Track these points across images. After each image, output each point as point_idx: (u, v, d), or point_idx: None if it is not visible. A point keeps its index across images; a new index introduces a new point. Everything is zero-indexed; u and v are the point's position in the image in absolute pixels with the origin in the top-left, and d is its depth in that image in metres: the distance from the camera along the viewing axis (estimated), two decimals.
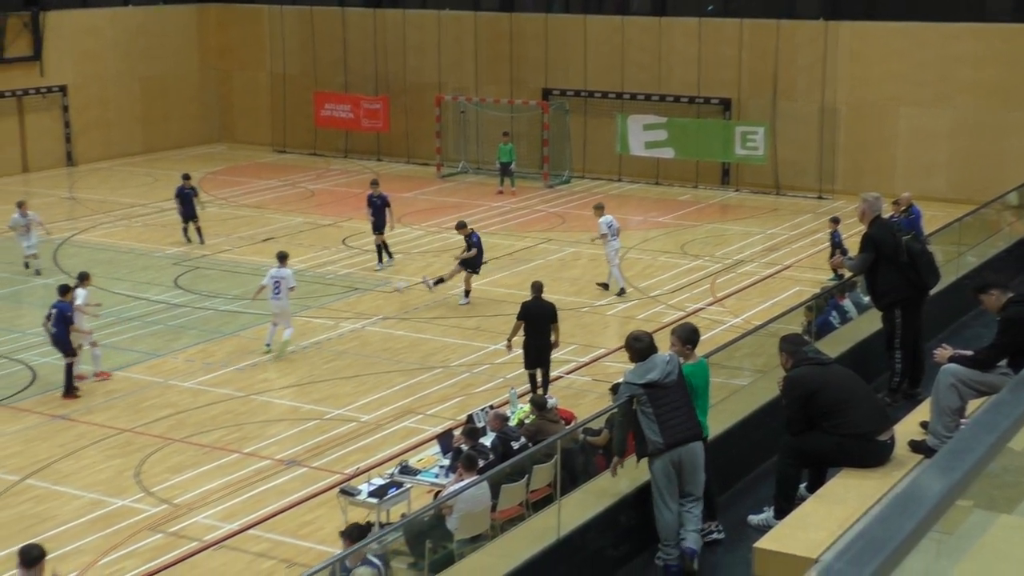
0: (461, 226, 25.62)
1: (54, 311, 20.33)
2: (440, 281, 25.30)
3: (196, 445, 18.40)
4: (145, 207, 34.43)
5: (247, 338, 23.39)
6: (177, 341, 23.33)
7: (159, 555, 15.09)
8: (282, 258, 22.64)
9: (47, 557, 10.45)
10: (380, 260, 28.03)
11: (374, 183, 29.05)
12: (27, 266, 27.70)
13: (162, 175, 37.72)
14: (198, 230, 30.36)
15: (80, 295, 20.98)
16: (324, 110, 42.30)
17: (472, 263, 25.17)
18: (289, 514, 16.16)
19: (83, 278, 21.49)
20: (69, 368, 20.32)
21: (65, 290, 20.72)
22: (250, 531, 15.69)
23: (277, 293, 22.16)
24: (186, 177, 30.71)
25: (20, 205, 28.02)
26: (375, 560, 11.15)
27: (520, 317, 19.56)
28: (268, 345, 22.52)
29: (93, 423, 19.31)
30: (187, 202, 30.11)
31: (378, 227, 28.03)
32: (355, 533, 11.70)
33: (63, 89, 41.00)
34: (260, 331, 23.58)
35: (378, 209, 28.00)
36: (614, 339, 22.53)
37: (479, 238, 25.45)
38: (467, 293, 25.27)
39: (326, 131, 42.68)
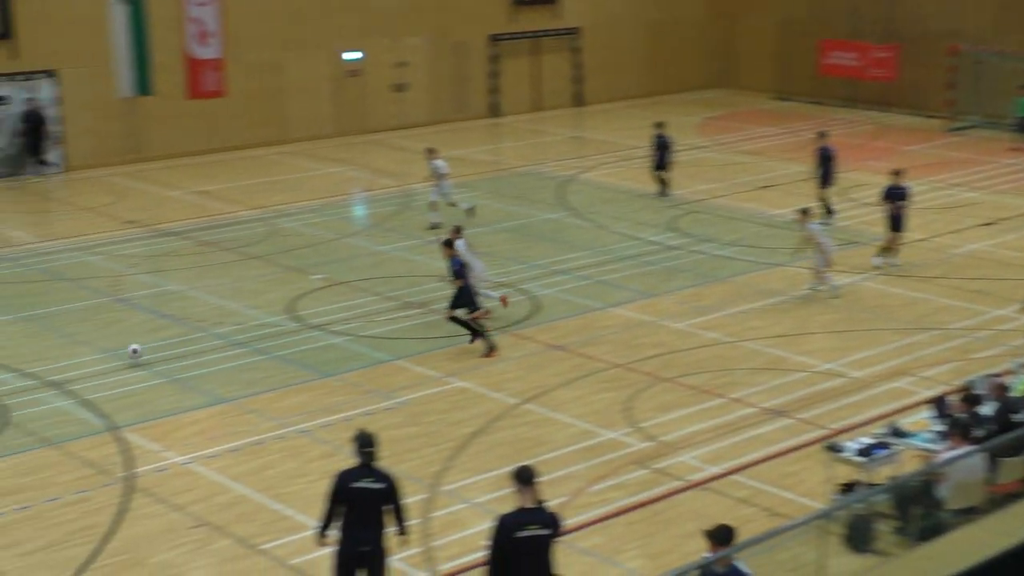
0: (896, 173, 24.39)
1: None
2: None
3: (684, 386, 18.71)
4: (645, 149, 35.13)
5: (739, 284, 23.46)
6: (670, 282, 23.75)
7: (643, 489, 15.48)
8: (806, 212, 22.85)
9: (539, 479, 10.96)
10: (830, 214, 27.20)
11: (822, 134, 28.14)
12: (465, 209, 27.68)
13: (663, 118, 38.40)
14: (663, 181, 30.11)
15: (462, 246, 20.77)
16: (829, 58, 41.43)
17: (893, 223, 24.01)
18: (772, 463, 16.10)
19: (457, 231, 21.38)
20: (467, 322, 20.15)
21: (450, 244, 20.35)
22: (733, 476, 15.79)
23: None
24: (659, 125, 30.79)
25: (430, 152, 27.78)
26: (744, 569, 10.34)
27: None
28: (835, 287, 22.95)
29: (587, 355, 20.05)
30: (660, 151, 30.12)
31: (826, 181, 27.35)
32: (721, 535, 10.70)
33: (577, 31, 42.58)
34: (753, 278, 23.64)
35: (826, 162, 27.27)
36: None
37: (904, 191, 24.07)
38: (885, 252, 24.10)
39: (829, 79, 41.77)
